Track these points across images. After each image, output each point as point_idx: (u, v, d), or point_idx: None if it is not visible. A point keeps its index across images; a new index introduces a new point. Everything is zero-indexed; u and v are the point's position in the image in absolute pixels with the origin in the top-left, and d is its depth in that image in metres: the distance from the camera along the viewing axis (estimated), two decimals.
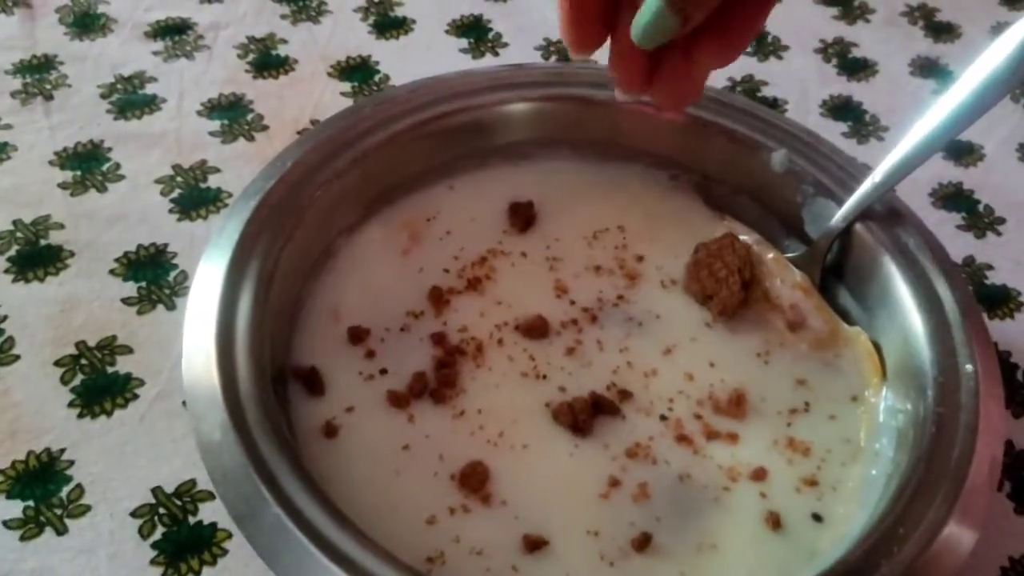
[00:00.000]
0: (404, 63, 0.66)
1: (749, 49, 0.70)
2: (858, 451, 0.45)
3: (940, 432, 0.41)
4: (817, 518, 0.43)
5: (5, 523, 0.42)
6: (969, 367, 0.42)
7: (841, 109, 0.67)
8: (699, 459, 0.44)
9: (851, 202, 0.48)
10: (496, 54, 0.68)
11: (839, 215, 0.49)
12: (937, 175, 0.63)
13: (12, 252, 0.52)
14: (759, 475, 0.44)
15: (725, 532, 0.42)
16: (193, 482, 0.44)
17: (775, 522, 0.42)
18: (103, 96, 0.61)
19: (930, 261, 0.46)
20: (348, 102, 0.63)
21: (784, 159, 0.51)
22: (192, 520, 0.43)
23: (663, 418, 0.46)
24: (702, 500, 0.43)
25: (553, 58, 0.68)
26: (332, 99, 0.63)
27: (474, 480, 0.43)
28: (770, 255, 0.51)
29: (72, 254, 0.52)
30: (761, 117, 0.53)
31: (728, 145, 0.53)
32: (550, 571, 0.40)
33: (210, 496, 0.44)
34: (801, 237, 0.52)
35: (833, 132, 0.64)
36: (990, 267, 0.58)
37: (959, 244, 0.59)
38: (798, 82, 0.68)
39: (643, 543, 0.41)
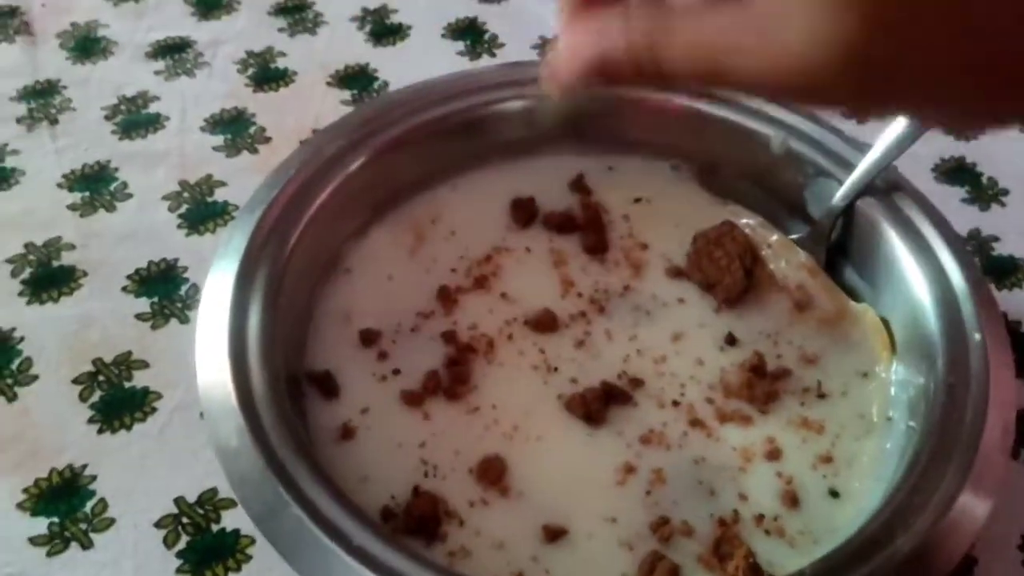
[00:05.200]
0: (402, 69, 0.66)
1: None
2: (871, 426, 0.45)
3: (951, 402, 0.41)
4: (834, 494, 0.43)
5: (31, 540, 0.43)
6: (977, 336, 0.43)
7: None
8: (713, 442, 0.45)
9: (851, 180, 0.49)
10: (493, 55, 0.68)
11: (840, 193, 0.49)
12: (939, 150, 0.63)
13: (26, 275, 0.53)
14: (774, 455, 0.44)
15: (742, 512, 0.42)
16: (215, 490, 0.45)
17: (792, 500, 0.42)
18: (107, 117, 0.62)
19: (934, 233, 0.47)
20: (348, 110, 0.63)
21: (782, 141, 0.51)
22: (215, 528, 0.44)
23: (675, 404, 0.46)
24: (718, 482, 0.43)
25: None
26: (332, 108, 0.63)
27: (492, 473, 0.43)
28: (773, 237, 0.51)
29: (85, 274, 0.53)
30: (757, 103, 0.54)
31: (726, 132, 0.53)
32: (570, 560, 0.41)
33: (232, 503, 0.44)
34: (805, 219, 0.52)
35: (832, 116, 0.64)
36: (996, 238, 0.58)
37: (964, 217, 0.59)
38: None
39: (660, 526, 0.41)
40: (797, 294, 0.49)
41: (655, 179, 0.55)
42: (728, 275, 0.49)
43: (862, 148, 0.50)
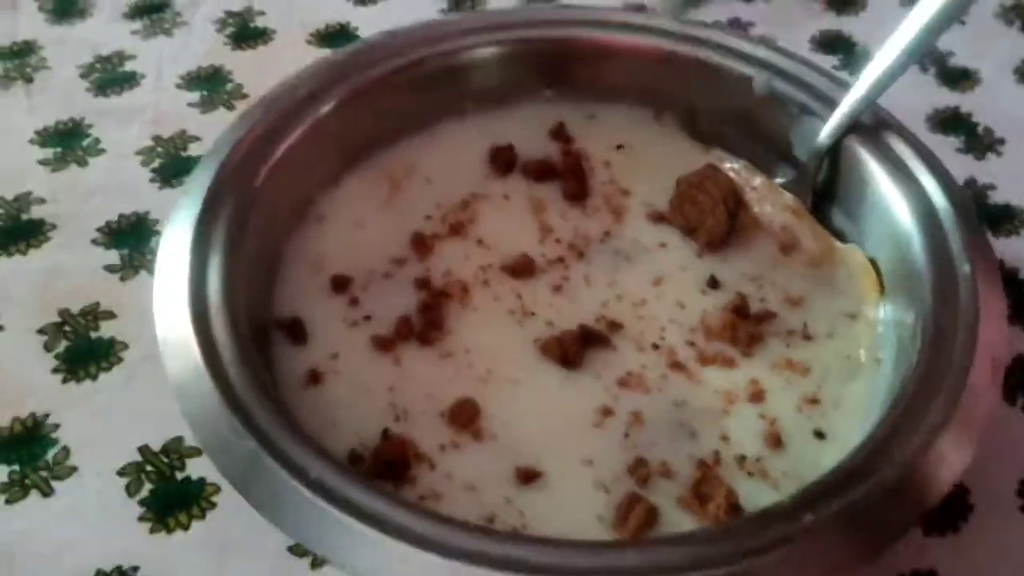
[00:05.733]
0: (384, 26, 0.65)
1: None
2: (859, 367, 0.43)
3: (938, 336, 0.39)
4: (820, 435, 0.41)
5: None
6: (967, 268, 0.41)
7: (831, 44, 0.65)
8: (694, 385, 0.43)
9: (835, 117, 0.47)
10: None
11: (825, 132, 0.48)
12: (932, 101, 0.62)
13: None
14: (757, 397, 0.43)
15: (723, 454, 0.41)
16: (180, 439, 0.43)
17: (776, 441, 0.41)
18: (83, 76, 0.61)
19: (920, 167, 0.45)
20: None
21: (766, 82, 0.50)
22: (180, 476, 0.42)
23: (655, 347, 0.44)
24: (699, 424, 0.42)
25: None
26: None
27: (464, 417, 0.42)
28: (757, 180, 0.49)
29: (54, 227, 0.52)
30: (738, 44, 0.52)
31: (708, 74, 0.52)
32: (544, 501, 0.39)
33: (197, 452, 0.43)
34: (791, 162, 0.50)
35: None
36: (992, 187, 0.56)
37: (959, 166, 0.57)
38: (784, 20, 0.67)
39: (638, 468, 0.40)
40: (782, 236, 0.48)
41: (637, 126, 0.53)
42: (711, 218, 0.47)
43: (846, 86, 0.48)
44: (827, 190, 0.49)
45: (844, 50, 0.65)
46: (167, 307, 0.40)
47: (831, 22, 0.67)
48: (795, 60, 0.51)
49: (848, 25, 0.67)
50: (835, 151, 0.48)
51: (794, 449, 0.41)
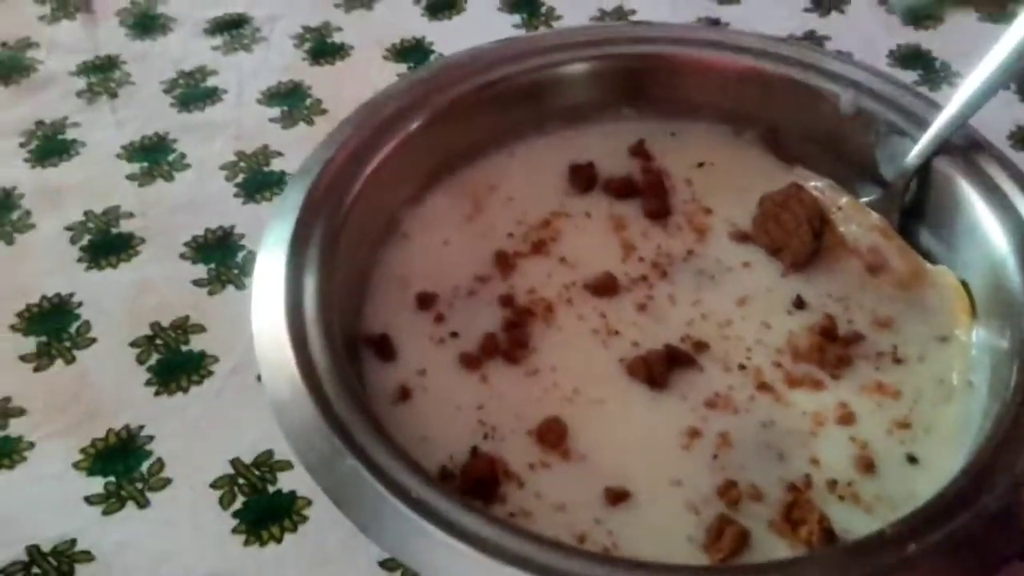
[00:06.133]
0: (458, 42, 0.65)
1: (808, 4, 0.68)
2: (951, 391, 0.43)
3: None
4: (912, 460, 0.41)
5: (87, 499, 0.43)
6: None
7: (910, 59, 0.65)
8: (782, 407, 0.43)
9: (926, 137, 0.47)
10: (550, 27, 0.67)
11: (915, 152, 0.47)
12: (1015, 118, 0.61)
13: (84, 242, 0.53)
14: (847, 419, 0.42)
15: (814, 477, 0.40)
16: (271, 452, 0.44)
17: (867, 465, 0.41)
18: (166, 91, 0.62)
19: (1015, 190, 0.44)
20: None
21: (853, 100, 0.50)
22: (271, 489, 0.43)
23: (742, 367, 0.44)
24: (788, 446, 0.41)
25: None
26: (389, 81, 0.61)
27: (552, 436, 0.42)
28: (843, 199, 0.49)
29: (143, 240, 0.53)
30: (821, 61, 0.52)
31: (793, 93, 0.52)
32: (634, 522, 0.39)
33: (288, 465, 0.43)
34: (877, 181, 0.50)
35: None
36: None
37: None
38: (862, 34, 0.66)
39: (728, 490, 0.40)
40: (869, 257, 0.47)
41: (718, 144, 0.53)
42: (796, 238, 0.47)
43: (936, 105, 0.48)
44: (915, 210, 0.48)
45: (924, 65, 0.64)
46: (265, 325, 0.40)
47: (909, 36, 0.66)
48: (881, 77, 0.51)
49: (927, 40, 0.66)
50: (924, 171, 0.47)
51: (886, 473, 0.41)
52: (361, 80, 0.63)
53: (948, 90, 0.62)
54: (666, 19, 0.66)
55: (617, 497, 0.40)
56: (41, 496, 0.43)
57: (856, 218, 0.48)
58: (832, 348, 0.44)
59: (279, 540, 0.41)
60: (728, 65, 0.53)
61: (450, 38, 0.66)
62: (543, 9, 0.68)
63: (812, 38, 0.66)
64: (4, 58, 0.65)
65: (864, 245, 0.47)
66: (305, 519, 0.42)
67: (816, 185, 0.50)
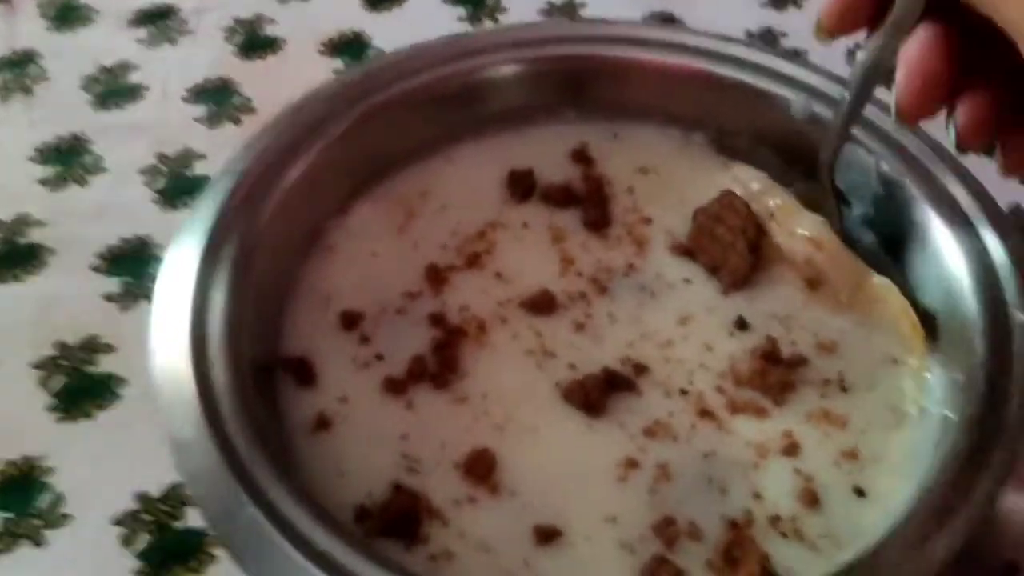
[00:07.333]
0: (398, 36, 0.62)
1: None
2: (902, 418, 0.41)
3: (991, 389, 0.37)
4: (860, 493, 0.39)
5: None
6: (1022, 316, 0.38)
7: None
8: (724, 435, 0.40)
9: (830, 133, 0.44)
10: (496, 21, 0.64)
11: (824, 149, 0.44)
12: None
13: None
14: (791, 450, 0.40)
15: (756, 513, 0.38)
16: (181, 485, 0.41)
17: (812, 499, 0.38)
18: (84, 88, 0.59)
19: (972, 205, 0.42)
20: None
21: (805, 105, 0.47)
22: (179, 526, 0.40)
23: (683, 392, 0.42)
24: (730, 478, 0.39)
25: None
26: (323, 77, 0.59)
27: (480, 468, 0.39)
28: (778, 200, 0.46)
29: (52, 251, 0.50)
30: (776, 64, 0.49)
31: (743, 97, 0.49)
32: (564, 563, 0.37)
33: None
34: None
35: None
36: None
37: (1005, 190, 0.54)
38: None
39: (665, 528, 0.37)
40: (806, 270, 0.45)
41: (664, 148, 0.51)
42: (733, 254, 0.44)
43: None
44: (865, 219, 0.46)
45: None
46: (164, 354, 0.38)
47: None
48: (834, 80, 0.48)
49: None
50: (885, 183, 0.45)
51: (832, 508, 0.38)
52: (293, 77, 0.60)
53: None
54: (618, 14, 0.63)
55: (547, 536, 0.37)
56: None
57: (791, 222, 0.46)
58: (775, 372, 0.42)
59: None
60: (674, 67, 0.50)
61: (390, 32, 0.63)
62: (488, 2, 0.65)
63: (768, 34, 0.63)
64: None
65: (801, 256, 0.45)
66: (213, 558, 0.40)
67: (753, 185, 0.47)
